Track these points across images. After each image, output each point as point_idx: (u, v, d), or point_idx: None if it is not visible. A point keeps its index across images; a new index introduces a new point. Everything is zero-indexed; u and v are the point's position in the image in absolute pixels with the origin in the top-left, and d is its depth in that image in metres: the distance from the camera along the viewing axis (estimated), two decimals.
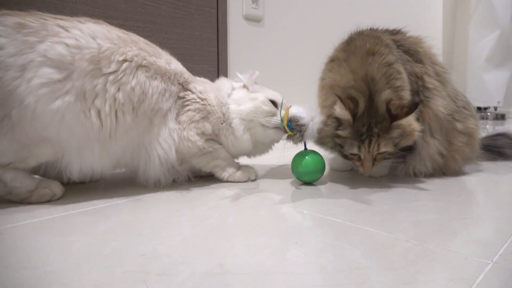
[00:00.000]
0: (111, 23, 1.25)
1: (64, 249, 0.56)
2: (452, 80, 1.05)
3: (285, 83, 1.89)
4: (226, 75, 1.61)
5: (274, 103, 0.97)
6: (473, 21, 3.46)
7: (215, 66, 1.61)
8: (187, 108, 0.90)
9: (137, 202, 0.80)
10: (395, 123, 0.84)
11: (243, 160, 1.08)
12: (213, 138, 0.94)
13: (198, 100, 0.92)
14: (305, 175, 0.94)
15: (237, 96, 0.98)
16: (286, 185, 0.95)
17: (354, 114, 0.84)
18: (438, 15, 3.51)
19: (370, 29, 1.03)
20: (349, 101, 0.84)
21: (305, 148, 0.95)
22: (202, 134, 0.91)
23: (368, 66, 0.89)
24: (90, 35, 0.76)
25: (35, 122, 0.71)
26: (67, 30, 0.74)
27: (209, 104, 0.93)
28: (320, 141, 0.93)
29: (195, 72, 1.00)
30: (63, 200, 0.80)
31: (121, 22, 1.28)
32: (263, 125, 0.96)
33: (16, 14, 0.72)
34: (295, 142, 0.92)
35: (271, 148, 1.05)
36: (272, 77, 1.83)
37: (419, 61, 0.99)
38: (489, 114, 3.45)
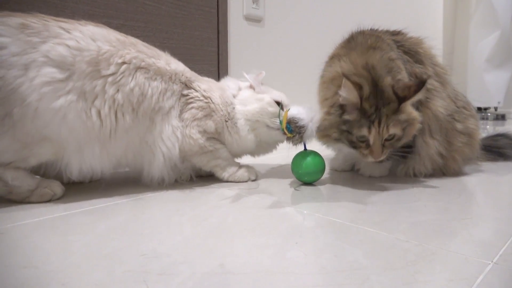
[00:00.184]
0: (112, 23, 1.25)
1: (65, 248, 0.56)
2: (452, 81, 1.05)
3: (285, 83, 1.89)
4: (226, 75, 1.61)
5: (279, 104, 0.98)
6: (473, 21, 3.46)
7: (215, 66, 1.61)
8: (190, 105, 0.91)
9: (138, 202, 0.80)
10: (403, 105, 0.83)
11: (244, 160, 1.09)
12: (215, 136, 0.95)
13: (201, 98, 0.93)
14: (305, 175, 0.94)
15: (243, 96, 0.99)
16: (287, 185, 0.95)
17: (360, 97, 0.82)
18: (438, 16, 3.51)
19: (371, 29, 1.03)
20: (356, 82, 0.82)
21: (305, 149, 0.95)
22: (204, 132, 0.92)
23: (369, 57, 0.89)
24: (90, 37, 0.77)
25: (37, 120, 0.71)
26: (68, 32, 0.75)
27: (213, 103, 0.94)
28: (324, 134, 0.89)
29: (195, 72, 1.00)
30: (63, 199, 0.80)
31: (121, 22, 1.28)
32: (268, 126, 0.97)
33: (19, 15, 0.73)
34: (295, 144, 0.92)
35: (275, 148, 1.05)
36: (273, 77, 1.83)
37: (419, 62, 0.99)
38: (489, 114, 3.45)
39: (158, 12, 1.39)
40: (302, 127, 0.89)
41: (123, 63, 0.80)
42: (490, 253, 0.54)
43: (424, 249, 0.56)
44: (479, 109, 3.49)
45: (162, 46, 0.96)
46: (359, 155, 0.88)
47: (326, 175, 1.04)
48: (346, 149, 0.92)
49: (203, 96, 0.93)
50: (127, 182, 0.96)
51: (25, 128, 0.71)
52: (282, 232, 0.63)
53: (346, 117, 0.85)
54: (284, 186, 0.94)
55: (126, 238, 0.59)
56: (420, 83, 0.82)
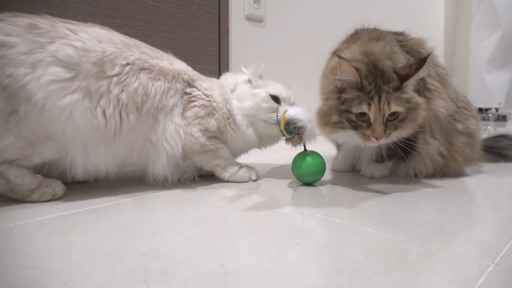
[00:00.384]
0: (113, 23, 1.25)
1: (66, 248, 0.56)
2: (453, 82, 1.05)
3: (286, 83, 1.89)
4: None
5: (277, 98, 0.97)
6: (474, 22, 3.45)
7: (216, 66, 1.61)
8: (192, 104, 0.92)
9: (139, 202, 0.80)
10: (405, 84, 0.82)
11: (250, 155, 1.09)
12: (216, 135, 0.95)
13: (203, 96, 0.93)
14: (306, 176, 0.94)
15: (240, 92, 0.98)
16: (287, 185, 0.95)
17: (358, 76, 0.80)
18: (439, 16, 3.51)
19: (374, 28, 1.04)
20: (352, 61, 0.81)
21: (305, 149, 0.95)
22: (206, 130, 0.92)
23: (369, 47, 0.89)
24: (96, 38, 0.79)
25: (43, 118, 0.72)
26: (75, 33, 0.77)
27: (214, 101, 0.94)
28: (324, 122, 0.86)
29: (197, 71, 1.00)
30: (64, 199, 0.80)
31: (123, 22, 1.28)
32: (265, 121, 0.96)
33: (27, 15, 0.75)
34: (294, 145, 0.92)
35: (280, 139, 1.04)
36: (274, 77, 1.83)
37: None
38: (490, 115, 3.44)
39: (160, 12, 1.39)
40: (301, 127, 0.89)
41: (127, 64, 0.81)
42: (491, 254, 0.54)
43: (425, 250, 0.56)
44: (480, 110, 3.48)
45: (164, 46, 0.97)
46: (361, 138, 0.84)
47: (326, 175, 1.04)
48: (350, 138, 0.88)
49: (205, 94, 0.94)
50: (128, 182, 0.96)
51: (30, 126, 0.72)
52: (282, 232, 0.63)
53: (345, 96, 0.83)
54: (284, 187, 0.94)
55: (127, 238, 0.59)
56: (421, 60, 0.81)
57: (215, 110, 0.94)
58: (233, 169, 0.98)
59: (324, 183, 0.97)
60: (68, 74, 0.74)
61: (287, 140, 0.92)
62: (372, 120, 0.81)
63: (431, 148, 0.97)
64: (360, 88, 0.81)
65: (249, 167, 1.01)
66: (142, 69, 0.84)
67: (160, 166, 0.88)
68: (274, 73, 1.85)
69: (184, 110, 0.91)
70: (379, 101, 0.80)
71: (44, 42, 0.72)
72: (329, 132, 0.89)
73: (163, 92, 0.86)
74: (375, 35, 0.95)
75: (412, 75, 0.81)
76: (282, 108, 0.95)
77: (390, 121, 0.82)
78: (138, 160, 0.88)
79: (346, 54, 0.89)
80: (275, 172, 1.11)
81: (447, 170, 1.03)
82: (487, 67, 3.34)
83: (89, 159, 0.79)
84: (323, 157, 0.95)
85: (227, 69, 1.63)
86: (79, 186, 0.90)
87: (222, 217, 0.70)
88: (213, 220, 0.69)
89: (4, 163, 0.74)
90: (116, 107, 0.79)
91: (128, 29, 1.29)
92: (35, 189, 0.77)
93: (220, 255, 0.54)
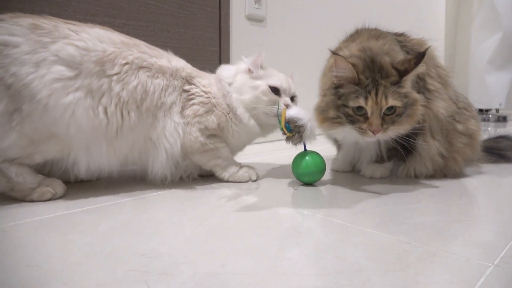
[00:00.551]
0: (114, 22, 1.25)
1: (66, 247, 0.56)
2: (454, 83, 1.05)
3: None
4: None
5: (277, 90, 0.96)
6: (475, 22, 3.45)
7: (217, 65, 1.59)
8: (191, 102, 0.92)
9: (139, 201, 0.80)
10: (404, 79, 0.82)
11: (246, 160, 1.09)
12: (216, 133, 0.94)
13: (201, 93, 0.93)
14: (306, 175, 0.94)
15: (239, 83, 0.96)
16: (287, 185, 0.95)
17: (355, 71, 0.80)
18: (440, 17, 3.51)
19: (375, 28, 1.04)
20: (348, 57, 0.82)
21: (305, 149, 0.95)
22: (205, 129, 0.92)
23: (368, 44, 0.89)
24: (97, 39, 0.80)
25: (46, 116, 0.73)
26: (77, 33, 0.78)
27: (214, 97, 0.94)
28: (323, 118, 0.87)
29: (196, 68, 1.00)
30: (65, 198, 0.80)
31: (123, 21, 1.28)
32: (265, 113, 0.96)
33: (30, 16, 0.76)
34: (294, 143, 0.92)
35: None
36: None
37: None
38: (490, 116, 3.44)
39: (160, 12, 1.39)
40: (301, 126, 0.89)
41: (126, 63, 0.82)
42: (491, 255, 0.54)
43: (425, 250, 0.56)
44: (481, 110, 3.48)
45: (164, 46, 0.96)
46: (358, 133, 0.83)
47: (326, 175, 1.04)
48: (348, 134, 0.87)
49: (203, 91, 0.94)
50: (128, 181, 0.96)
51: (34, 124, 0.73)
52: (282, 232, 0.63)
53: (342, 91, 0.83)
54: (284, 187, 0.94)
55: (127, 238, 0.59)
56: (420, 55, 0.81)
57: (215, 106, 0.94)
58: (233, 169, 0.98)
59: (324, 183, 0.97)
60: (71, 73, 0.75)
61: (288, 138, 0.92)
62: (369, 114, 0.81)
63: (431, 149, 0.97)
64: (357, 83, 0.81)
65: (249, 167, 1.01)
66: (140, 67, 0.84)
67: (159, 164, 0.88)
68: None
69: (183, 108, 0.91)
70: (376, 94, 0.80)
71: (47, 42, 0.74)
72: (327, 128, 0.89)
73: (162, 89, 0.87)
74: (375, 34, 0.96)
75: (412, 69, 0.81)
76: (283, 99, 0.94)
77: (387, 115, 0.82)
78: (140, 159, 0.88)
79: (344, 52, 0.89)
80: (275, 172, 1.11)
81: (447, 170, 1.03)
82: (488, 68, 3.34)
83: (92, 158, 0.80)
84: (323, 157, 0.95)
85: None
86: (79, 186, 0.91)
87: (222, 217, 0.70)
88: (213, 220, 0.69)
89: (6, 161, 0.74)
90: (118, 105, 0.80)
91: (128, 28, 1.29)
92: (35, 188, 0.77)
93: (220, 255, 0.54)
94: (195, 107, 0.91)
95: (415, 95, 0.85)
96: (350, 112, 0.82)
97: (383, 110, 0.81)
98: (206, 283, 0.46)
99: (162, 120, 0.87)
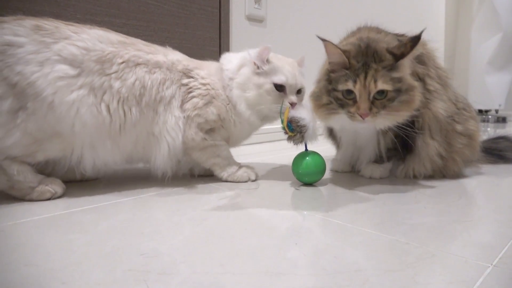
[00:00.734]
0: (114, 22, 1.25)
1: (65, 247, 0.56)
2: (453, 84, 1.06)
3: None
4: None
5: (283, 87, 0.93)
6: (475, 23, 3.45)
7: None
8: (191, 95, 0.92)
9: (138, 201, 0.80)
10: (400, 63, 0.81)
11: (246, 160, 1.09)
12: (217, 125, 0.94)
13: (200, 86, 0.93)
14: (306, 176, 0.94)
15: (242, 79, 0.94)
16: (287, 185, 0.95)
17: (346, 56, 0.81)
18: (440, 18, 3.51)
19: (376, 26, 1.04)
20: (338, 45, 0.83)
21: (306, 149, 0.95)
22: (205, 122, 0.92)
23: (367, 35, 0.89)
24: (97, 39, 0.82)
25: (51, 114, 0.74)
26: (77, 34, 0.80)
27: (213, 88, 0.94)
28: (318, 104, 0.87)
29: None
30: (64, 198, 0.80)
31: (123, 21, 1.28)
32: (268, 111, 0.95)
33: (31, 17, 0.79)
34: (296, 143, 0.92)
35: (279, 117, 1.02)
36: None
37: (422, 62, 0.99)
38: (490, 117, 3.44)
39: (161, 12, 1.39)
40: (303, 126, 0.89)
41: (123, 62, 0.84)
42: (490, 255, 0.54)
43: (424, 251, 0.56)
44: (480, 111, 3.48)
45: (164, 46, 0.96)
46: (348, 118, 0.83)
47: (326, 176, 1.04)
48: (345, 122, 0.87)
49: (202, 83, 0.94)
50: (128, 181, 0.96)
51: (38, 122, 0.74)
52: (282, 232, 0.63)
53: (333, 75, 0.83)
54: (284, 187, 0.94)
55: (126, 237, 0.60)
56: (416, 37, 0.80)
57: (214, 98, 0.94)
58: (232, 169, 0.98)
59: (324, 184, 0.97)
60: (73, 72, 0.77)
61: (289, 138, 0.92)
62: (357, 97, 0.81)
63: (430, 149, 0.97)
64: (349, 68, 0.81)
65: (248, 167, 1.01)
66: (137, 64, 0.86)
67: (161, 158, 0.89)
68: None
69: (183, 102, 0.91)
70: (365, 78, 0.79)
71: (49, 42, 0.76)
72: (323, 116, 0.89)
73: (159, 83, 0.88)
74: (377, 30, 0.97)
75: (408, 52, 0.80)
76: (287, 98, 0.93)
77: (378, 100, 0.81)
78: (144, 154, 0.90)
79: (343, 43, 0.90)
80: (275, 172, 1.11)
81: (446, 171, 1.03)
82: (488, 68, 3.35)
83: (98, 155, 0.82)
84: (324, 158, 0.95)
85: None
86: (79, 185, 0.91)
87: (221, 217, 0.70)
88: (212, 220, 0.69)
89: (8, 158, 0.75)
90: (119, 102, 0.82)
91: (128, 28, 1.29)
92: (35, 187, 0.78)
93: (219, 255, 0.54)
94: (194, 100, 0.92)
95: (413, 82, 0.84)
96: (340, 96, 0.82)
97: (372, 94, 0.80)
98: (205, 283, 0.46)
99: (163, 115, 0.88)
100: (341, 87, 0.81)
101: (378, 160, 1.03)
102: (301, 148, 0.95)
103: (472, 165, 1.12)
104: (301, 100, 0.98)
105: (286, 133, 0.92)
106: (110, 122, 0.81)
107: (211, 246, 0.57)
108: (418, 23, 2.96)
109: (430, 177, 1.02)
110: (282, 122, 0.90)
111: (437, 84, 0.99)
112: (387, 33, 0.97)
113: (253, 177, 0.99)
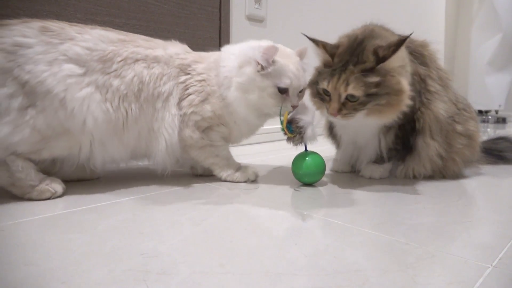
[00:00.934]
0: (114, 21, 1.25)
1: (65, 246, 0.56)
2: (454, 85, 1.06)
3: None
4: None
5: (286, 90, 0.89)
6: (475, 24, 3.45)
7: None
8: (187, 92, 0.93)
9: (138, 201, 0.80)
10: (381, 66, 0.80)
11: (246, 160, 1.09)
12: (214, 123, 0.94)
13: (195, 83, 0.93)
14: (305, 176, 0.94)
15: (244, 79, 0.89)
16: (286, 186, 0.95)
17: (331, 54, 0.85)
18: (440, 18, 3.51)
19: (381, 25, 1.04)
20: (325, 43, 0.86)
21: (306, 150, 0.95)
22: (202, 120, 0.92)
23: (373, 27, 0.91)
24: (99, 39, 0.84)
25: (62, 111, 0.76)
26: (81, 34, 0.82)
27: (208, 85, 0.93)
28: (311, 91, 0.93)
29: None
30: (64, 197, 0.80)
31: (123, 21, 1.28)
32: (268, 112, 0.93)
33: (37, 20, 0.81)
34: (295, 144, 0.92)
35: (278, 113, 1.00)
36: None
37: (423, 63, 0.99)
38: (490, 117, 3.44)
39: (161, 11, 1.39)
40: (302, 127, 0.89)
41: (121, 60, 0.85)
42: (490, 256, 0.55)
43: (424, 251, 0.56)
44: (480, 112, 3.48)
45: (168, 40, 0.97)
46: (326, 110, 0.87)
47: (326, 176, 1.04)
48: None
49: (197, 80, 0.93)
50: (127, 180, 0.96)
51: (47, 119, 0.76)
52: (281, 232, 0.63)
53: (320, 70, 0.88)
54: (284, 187, 0.94)
55: (126, 237, 0.60)
56: (399, 42, 0.79)
57: (209, 94, 0.93)
58: (232, 169, 0.98)
59: (323, 184, 0.97)
60: (80, 70, 0.79)
61: (289, 139, 0.92)
62: (331, 96, 0.85)
63: (430, 149, 0.97)
64: (331, 66, 0.85)
65: (248, 167, 1.01)
66: (136, 60, 0.87)
67: (160, 153, 0.90)
68: None
69: (180, 99, 0.92)
70: (338, 81, 0.81)
71: (56, 43, 0.78)
72: (317, 106, 0.93)
73: (157, 78, 0.89)
74: (383, 27, 0.97)
75: (389, 56, 0.79)
76: (289, 101, 0.90)
77: (350, 102, 0.83)
78: (146, 150, 0.91)
79: (342, 36, 0.93)
80: (274, 172, 1.11)
81: (446, 171, 1.03)
82: (488, 69, 3.35)
83: (107, 151, 0.84)
84: (323, 158, 0.95)
85: None
86: (79, 185, 0.91)
87: (221, 217, 0.70)
88: (212, 220, 0.69)
89: (13, 154, 0.76)
90: (120, 99, 0.83)
91: (128, 28, 1.29)
92: (36, 186, 0.78)
93: (219, 255, 0.54)
94: (190, 97, 0.92)
95: (402, 86, 0.82)
96: (320, 91, 0.87)
97: (342, 96, 0.82)
98: (204, 283, 0.46)
99: (161, 112, 0.89)
100: (320, 84, 0.86)
101: (378, 160, 1.03)
102: (301, 149, 0.94)
103: (472, 166, 1.12)
104: (301, 98, 0.95)
105: (285, 134, 0.91)
106: (114, 119, 0.83)
107: (211, 246, 0.57)
108: (418, 23, 2.96)
109: (430, 177, 1.03)
110: (282, 123, 0.90)
111: (438, 85, 0.99)
112: (393, 33, 0.97)
113: (252, 177, 0.99)
